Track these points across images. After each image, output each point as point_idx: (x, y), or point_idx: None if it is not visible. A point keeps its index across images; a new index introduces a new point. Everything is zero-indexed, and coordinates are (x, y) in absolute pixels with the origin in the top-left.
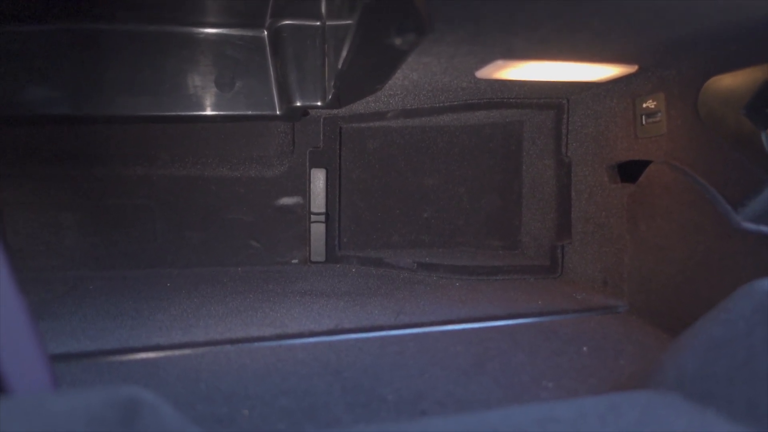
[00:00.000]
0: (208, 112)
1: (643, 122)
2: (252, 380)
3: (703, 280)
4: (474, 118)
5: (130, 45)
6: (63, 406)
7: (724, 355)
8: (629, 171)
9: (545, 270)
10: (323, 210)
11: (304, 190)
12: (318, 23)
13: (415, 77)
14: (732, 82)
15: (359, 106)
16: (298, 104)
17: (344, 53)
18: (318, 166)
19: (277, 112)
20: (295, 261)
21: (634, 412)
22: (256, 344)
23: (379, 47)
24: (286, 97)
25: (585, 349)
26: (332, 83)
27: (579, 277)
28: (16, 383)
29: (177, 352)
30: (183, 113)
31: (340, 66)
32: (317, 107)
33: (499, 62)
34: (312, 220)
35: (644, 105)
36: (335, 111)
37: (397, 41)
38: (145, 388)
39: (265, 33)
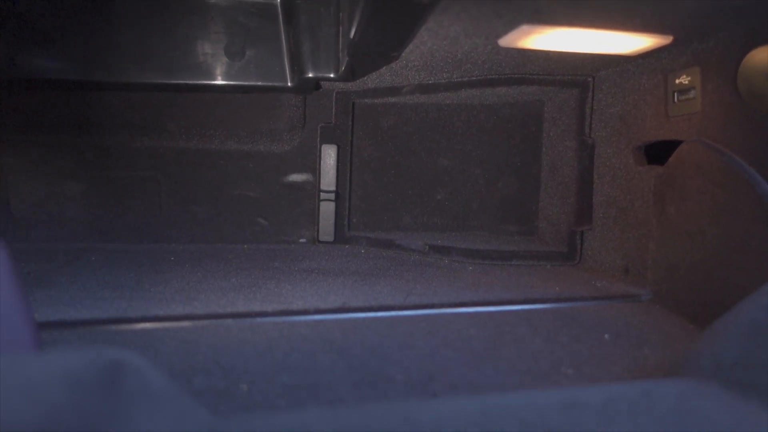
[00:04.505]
0: (218, 81)
1: (675, 100)
2: (253, 355)
3: (738, 267)
4: (493, 96)
5: (139, 8)
6: (41, 366)
7: (767, 343)
8: (657, 152)
9: (563, 256)
10: (333, 188)
11: (314, 167)
12: None
13: (434, 45)
14: None
15: (374, 81)
16: (311, 75)
17: (357, 16)
18: (329, 142)
19: (289, 84)
20: (302, 240)
21: (668, 400)
22: (258, 319)
23: (396, 6)
24: (298, 68)
25: (606, 336)
26: (345, 52)
27: (599, 264)
28: None
29: (176, 324)
30: (191, 82)
31: (352, 33)
32: (330, 79)
33: (525, 27)
34: (321, 198)
35: (677, 81)
36: (348, 85)
37: None
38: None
39: (279, 0)
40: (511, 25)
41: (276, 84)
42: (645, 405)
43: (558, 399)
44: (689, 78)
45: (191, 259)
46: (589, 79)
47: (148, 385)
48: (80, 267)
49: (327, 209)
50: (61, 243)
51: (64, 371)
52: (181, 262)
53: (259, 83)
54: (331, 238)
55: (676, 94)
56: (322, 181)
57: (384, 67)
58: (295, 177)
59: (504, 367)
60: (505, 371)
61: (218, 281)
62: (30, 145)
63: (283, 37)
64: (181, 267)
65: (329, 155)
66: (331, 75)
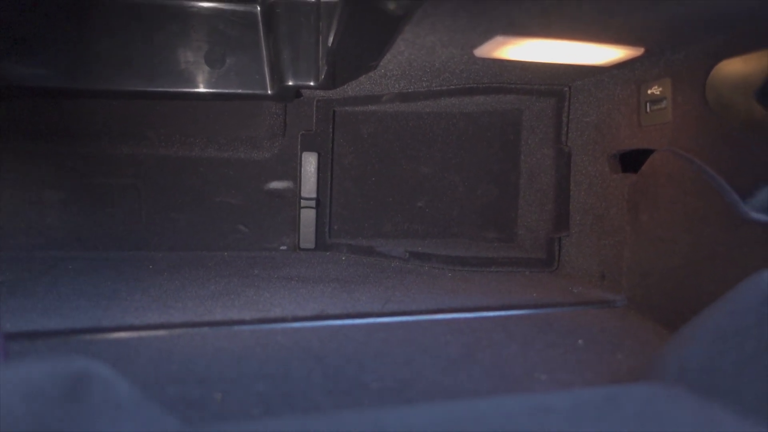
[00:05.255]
0: (198, 89)
1: (648, 110)
2: (228, 364)
3: (708, 273)
4: (472, 105)
5: (119, 16)
6: (1, 378)
7: (731, 347)
8: (631, 161)
9: (541, 263)
10: (314, 195)
11: (295, 175)
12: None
13: (412, 55)
14: (743, 66)
15: (354, 89)
16: (291, 83)
17: (335, 25)
18: (310, 149)
19: (269, 92)
20: (283, 247)
21: (633, 405)
22: (235, 327)
23: (371, 16)
24: (278, 76)
25: (581, 342)
26: (324, 60)
27: (576, 270)
28: None
29: (151, 333)
30: (171, 89)
31: (330, 41)
32: (310, 87)
33: (499, 38)
34: (302, 205)
35: (649, 91)
36: (329, 93)
37: (391, 6)
38: (111, 367)
39: (259, 8)
40: (486, 35)
41: (256, 92)
42: (611, 409)
43: (527, 404)
44: (661, 88)
45: (170, 267)
46: (566, 88)
47: (114, 395)
48: (58, 276)
49: (308, 216)
50: (40, 251)
51: (25, 383)
52: (160, 270)
53: (239, 91)
54: (312, 246)
55: (648, 104)
56: (303, 188)
57: (364, 76)
58: (276, 184)
59: (478, 373)
60: (479, 377)
61: (197, 289)
62: (8, 152)
63: (263, 45)
64: (160, 275)
65: (310, 163)
66: (311, 83)
